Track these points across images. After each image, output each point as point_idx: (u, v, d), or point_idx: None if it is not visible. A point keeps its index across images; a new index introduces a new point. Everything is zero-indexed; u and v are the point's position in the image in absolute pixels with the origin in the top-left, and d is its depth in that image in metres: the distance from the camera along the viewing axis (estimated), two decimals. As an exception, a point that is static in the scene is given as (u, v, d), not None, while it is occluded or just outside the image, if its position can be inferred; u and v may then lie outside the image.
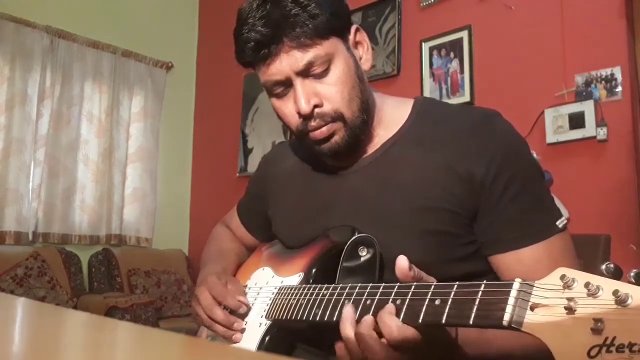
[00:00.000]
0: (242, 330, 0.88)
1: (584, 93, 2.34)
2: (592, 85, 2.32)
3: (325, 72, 0.82)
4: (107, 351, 0.35)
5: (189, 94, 4.50)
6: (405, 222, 0.82)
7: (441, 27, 2.88)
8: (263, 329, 0.84)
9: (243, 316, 0.89)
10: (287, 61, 0.81)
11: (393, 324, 0.62)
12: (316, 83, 0.82)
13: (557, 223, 0.79)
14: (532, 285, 0.53)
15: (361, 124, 0.85)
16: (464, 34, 2.79)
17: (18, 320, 0.48)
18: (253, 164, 3.81)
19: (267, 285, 0.92)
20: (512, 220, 0.79)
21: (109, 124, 3.90)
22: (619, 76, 2.26)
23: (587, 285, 0.49)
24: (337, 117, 0.83)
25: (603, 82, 2.30)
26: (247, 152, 3.96)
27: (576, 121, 2.32)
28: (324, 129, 0.84)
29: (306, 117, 0.83)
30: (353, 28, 0.88)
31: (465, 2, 2.82)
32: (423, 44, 2.96)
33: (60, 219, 3.62)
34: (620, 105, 2.25)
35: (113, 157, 3.89)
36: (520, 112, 2.37)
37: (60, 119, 3.67)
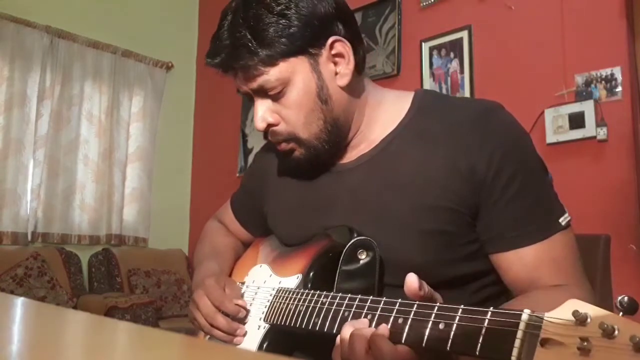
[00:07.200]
0: (244, 334, 0.87)
1: (584, 93, 2.34)
2: (592, 85, 2.32)
3: (280, 94, 0.82)
4: (107, 351, 0.35)
5: (189, 94, 4.50)
6: (405, 221, 0.80)
7: (441, 27, 2.88)
8: (262, 332, 0.84)
9: (242, 319, 0.88)
10: (242, 82, 0.84)
11: (385, 348, 0.60)
12: (274, 102, 0.84)
13: (560, 220, 0.78)
14: (542, 318, 0.50)
15: (321, 145, 0.85)
16: (464, 34, 2.79)
17: (18, 320, 0.48)
18: (253, 164, 3.81)
19: (264, 285, 0.91)
20: (513, 218, 0.77)
21: (109, 124, 3.89)
22: (619, 76, 2.26)
23: (601, 325, 0.46)
24: (291, 138, 0.85)
25: (603, 82, 2.29)
26: (247, 152, 3.96)
27: (576, 121, 2.32)
28: (282, 144, 0.86)
29: (264, 133, 0.86)
30: (330, 40, 0.82)
31: (465, 2, 2.81)
32: (423, 44, 2.96)
33: (60, 219, 3.61)
34: (620, 105, 2.25)
35: (113, 157, 3.89)
36: (520, 112, 2.33)
37: (60, 119, 3.66)
